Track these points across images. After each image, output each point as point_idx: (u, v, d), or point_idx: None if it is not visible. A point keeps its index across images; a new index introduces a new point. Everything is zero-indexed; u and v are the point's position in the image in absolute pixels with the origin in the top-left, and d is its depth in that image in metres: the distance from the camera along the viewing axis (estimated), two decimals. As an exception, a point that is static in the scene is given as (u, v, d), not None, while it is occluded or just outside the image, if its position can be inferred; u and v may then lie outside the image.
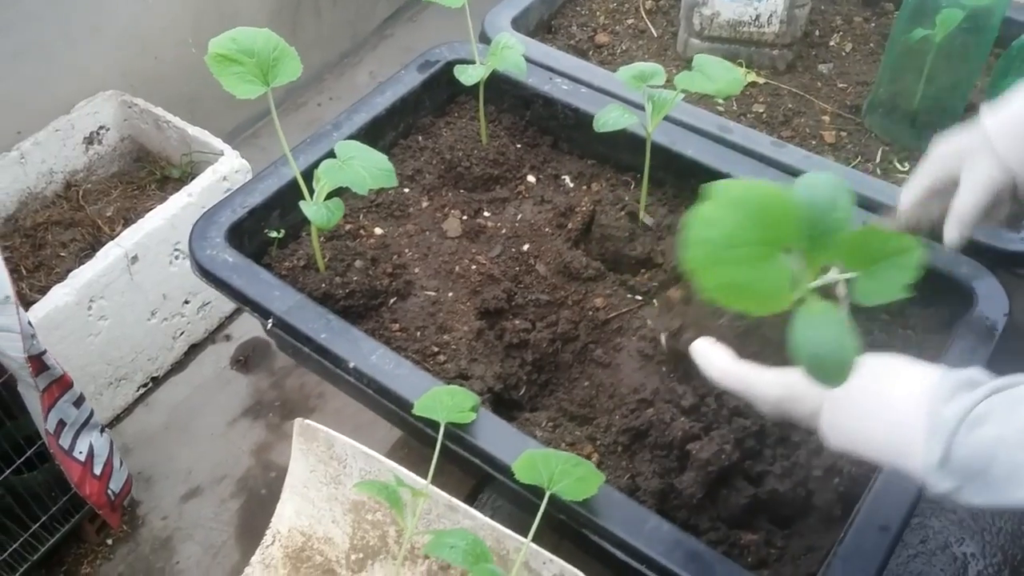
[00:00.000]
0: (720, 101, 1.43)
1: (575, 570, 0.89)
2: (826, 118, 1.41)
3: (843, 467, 0.99)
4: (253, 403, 1.99)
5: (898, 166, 1.34)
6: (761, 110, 1.41)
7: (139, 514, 1.80)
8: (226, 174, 1.91)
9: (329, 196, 1.05)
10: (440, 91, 1.38)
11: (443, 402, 0.95)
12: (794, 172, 1.23)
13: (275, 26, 2.59)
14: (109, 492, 1.60)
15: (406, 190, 1.31)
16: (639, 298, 1.18)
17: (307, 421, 1.02)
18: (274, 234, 1.19)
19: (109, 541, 1.76)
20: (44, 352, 1.35)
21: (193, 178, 1.90)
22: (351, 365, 1.01)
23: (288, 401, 2.00)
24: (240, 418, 1.96)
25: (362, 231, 1.24)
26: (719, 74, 1.02)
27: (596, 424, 1.07)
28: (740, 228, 0.61)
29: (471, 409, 0.96)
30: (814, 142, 1.37)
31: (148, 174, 2.11)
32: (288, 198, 1.20)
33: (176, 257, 1.87)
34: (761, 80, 1.46)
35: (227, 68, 0.97)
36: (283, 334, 1.06)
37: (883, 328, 1.14)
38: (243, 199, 1.18)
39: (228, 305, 2.09)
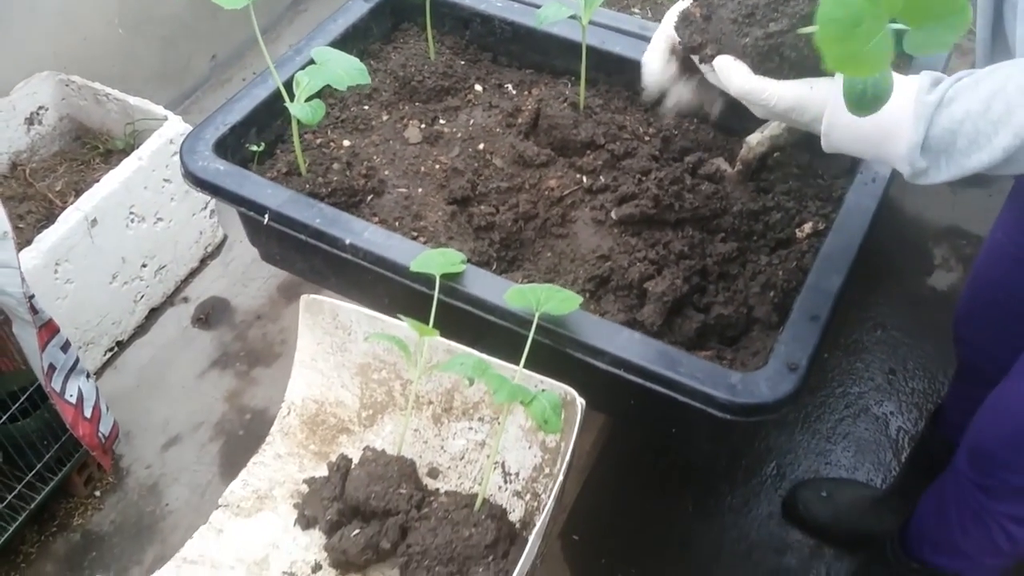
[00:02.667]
0: (636, 9, 1.60)
1: (563, 385, 1.04)
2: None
3: (777, 282, 1.17)
4: (219, 355, 2.08)
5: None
6: (673, 16, 1.58)
7: (123, 466, 1.88)
8: (172, 137, 1.99)
9: (308, 99, 1.17)
10: (385, 20, 1.51)
11: (435, 260, 1.09)
12: (709, 59, 1.40)
13: (194, 6, 2.68)
14: (100, 434, 1.68)
15: (366, 107, 1.44)
16: (587, 178, 1.34)
17: (312, 295, 1.14)
18: (255, 148, 1.30)
19: (97, 493, 1.83)
20: (33, 295, 1.43)
21: (137, 148, 1.97)
22: (347, 242, 1.14)
23: (253, 350, 2.09)
24: (208, 370, 2.05)
25: (332, 143, 1.36)
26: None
27: (563, 280, 1.22)
28: (863, 8, 0.71)
29: (461, 262, 1.09)
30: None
31: (91, 149, 2.17)
32: (263, 116, 1.32)
33: (132, 220, 1.94)
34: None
35: (216, -25, 1.07)
36: (279, 226, 1.17)
37: (796, 177, 1.32)
38: (223, 118, 1.29)
39: (184, 268, 2.17)
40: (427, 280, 1.09)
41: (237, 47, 2.94)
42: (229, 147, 1.28)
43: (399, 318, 1.04)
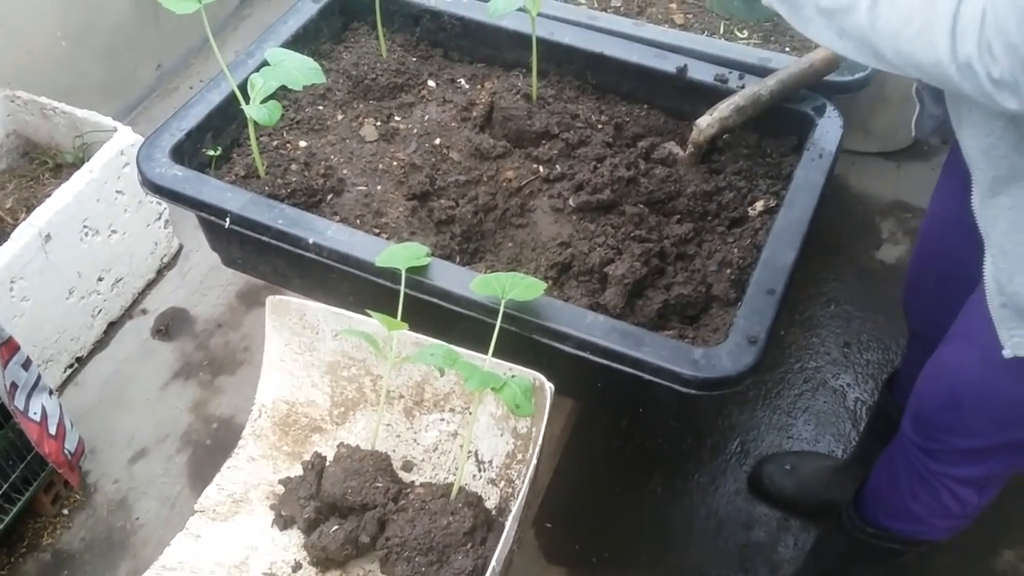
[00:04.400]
0: (582, 1, 1.62)
1: (531, 371, 1.06)
2: (673, 5, 1.62)
3: (732, 259, 1.20)
4: (182, 366, 2.06)
5: (738, 35, 1.56)
6: (618, 4, 1.62)
7: (90, 482, 1.86)
8: (123, 148, 1.98)
9: (264, 101, 1.18)
10: (334, 20, 1.51)
11: (400, 254, 1.10)
12: (658, 45, 1.44)
13: (137, 16, 2.65)
14: (66, 451, 1.66)
15: (320, 107, 1.44)
16: (543, 168, 1.36)
17: (278, 296, 1.15)
18: (211, 152, 1.30)
19: (66, 511, 1.81)
20: (-10, 312, 1.42)
21: (87, 161, 1.95)
22: (311, 241, 1.14)
23: (215, 359, 2.08)
24: (171, 381, 2.03)
25: (289, 145, 1.37)
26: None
27: (526, 269, 1.24)
28: None
29: (425, 255, 1.11)
30: (667, 25, 1.58)
31: (40, 165, 2.14)
32: (218, 120, 1.32)
33: (86, 234, 1.92)
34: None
35: (165, -18, 1.07)
36: (242, 229, 1.18)
37: (746, 157, 1.35)
38: (179, 124, 1.29)
39: (141, 280, 2.15)
40: (392, 275, 1.10)
41: (182, 55, 2.92)
42: (186, 153, 1.28)
43: (367, 314, 1.05)
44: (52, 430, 1.62)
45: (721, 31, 1.57)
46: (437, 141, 1.39)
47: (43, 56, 2.28)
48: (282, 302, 1.14)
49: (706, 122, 1.30)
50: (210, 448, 1.92)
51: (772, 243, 1.15)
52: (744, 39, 1.55)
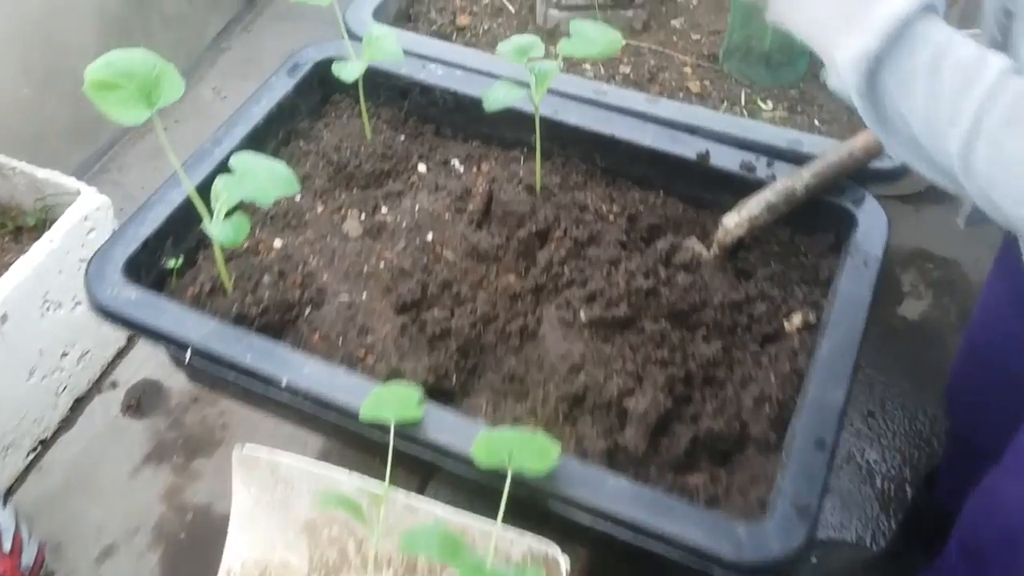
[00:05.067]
0: (588, 67, 1.47)
1: (544, 540, 0.91)
2: (688, 70, 1.47)
3: (771, 393, 1.05)
4: (154, 447, 1.90)
5: (762, 105, 1.41)
6: (627, 71, 1.46)
7: (54, 586, 1.70)
8: (87, 214, 1.82)
9: (228, 214, 1.02)
10: (313, 93, 1.35)
11: (388, 402, 0.94)
12: (672, 125, 1.28)
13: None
14: (23, 568, 1.51)
15: (298, 198, 1.29)
16: (549, 272, 1.20)
17: (246, 448, 0.99)
18: (172, 263, 1.15)
19: (27, 621, 1.66)
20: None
21: (51, 223, 1.79)
22: (284, 383, 0.99)
23: (191, 438, 1.92)
24: (143, 465, 1.87)
25: (261, 245, 1.21)
26: (597, 37, 1.05)
27: (533, 397, 1.09)
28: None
29: (417, 404, 0.95)
30: (682, 94, 1.43)
31: (-1, 227, 1.98)
32: (180, 224, 1.16)
33: (48, 309, 1.76)
34: (622, 42, 1.50)
35: (107, 95, 0.92)
36: (205, 364, 1.02)
37: (778, 258, 1.20)
38: (135, 230, 1.13)
39: (109, 350, 1.99)
40: (380, 425, 0.95)
41: (156, 94, 2.74)
42: (143, 265, 1.12)
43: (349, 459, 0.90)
44: (6, 547, 1.46)
45: (743, 101, 1.41)
46: (429, 237, 1.23)
47: (6, 105, 2.12)
48: (250, 457, 0.98)
49: (734, 222, 1.15)
50: (184, 543, 1.76)
51: (816, 377, 1.00)
52: (768, 110, 1.40)
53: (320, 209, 1.28)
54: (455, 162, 1.35)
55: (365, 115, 1.29)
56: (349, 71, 1.16)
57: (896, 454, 1.89)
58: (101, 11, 2.41)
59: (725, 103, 1.41)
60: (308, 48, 1.37)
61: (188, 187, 1.04)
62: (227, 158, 1.21)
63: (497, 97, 1.10)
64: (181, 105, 2.83)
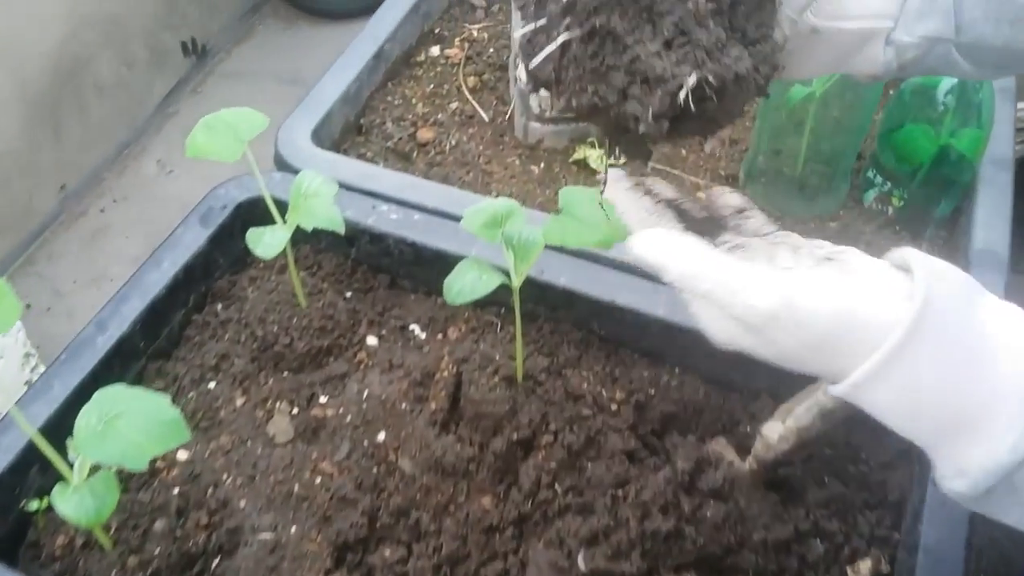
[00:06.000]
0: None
1: None
2: (702, 195, 1.20)
3: None
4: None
5: (797, 245, 1.14)
6: (626, 199, 1.19)
7: None
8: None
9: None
10: (235, 242, 1.08)
11: None
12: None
13: (32, 133, 2.19)
14: None
15: (211, 385, 1.01)
16: (536, 494, 0.93)
17: None
18: (35, 505, 0.86)
19: None
20: None
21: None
22: None
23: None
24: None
25: (160, 462, 0.93)
26: (596, 216, 0.78)
27: None
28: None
29: None
30: (697, 229, 1.16)
31: None
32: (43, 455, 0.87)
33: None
34: (621, 161, 1.23)
35: None
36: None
37: (832, 472, 0.93)
38: (-18, 466, 0.85)
39: None
40: None
41: (91, 171, 2.47)
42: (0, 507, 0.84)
43: None
44: None
45: (772, 239, 1.14)
46: (380, 438, 0.96)
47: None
48: None
49: (777, 434, 0.88)
50: None
51: None
52: (805, 251, 1.13)
53: (240, 402, 1.00)
54: (415, 328, 1.07)
55: (297, 282, 1.01)
56: (267, 246, 0.88)
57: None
58: (23, 89, 2.13)
59: (751, 242, 1.13)
60: (227, 185, 1.10)
61: (30, 430, 0.76)
62: (112, 352, 0.93)
63: (462, 289, 0.83)
64: (122, 181, 2.57)
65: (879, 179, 1.15)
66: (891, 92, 1.19)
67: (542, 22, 0.61)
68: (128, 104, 2.52)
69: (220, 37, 2.88)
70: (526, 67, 0.63)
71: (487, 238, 0.84)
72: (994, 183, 1.10)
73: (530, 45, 0.62)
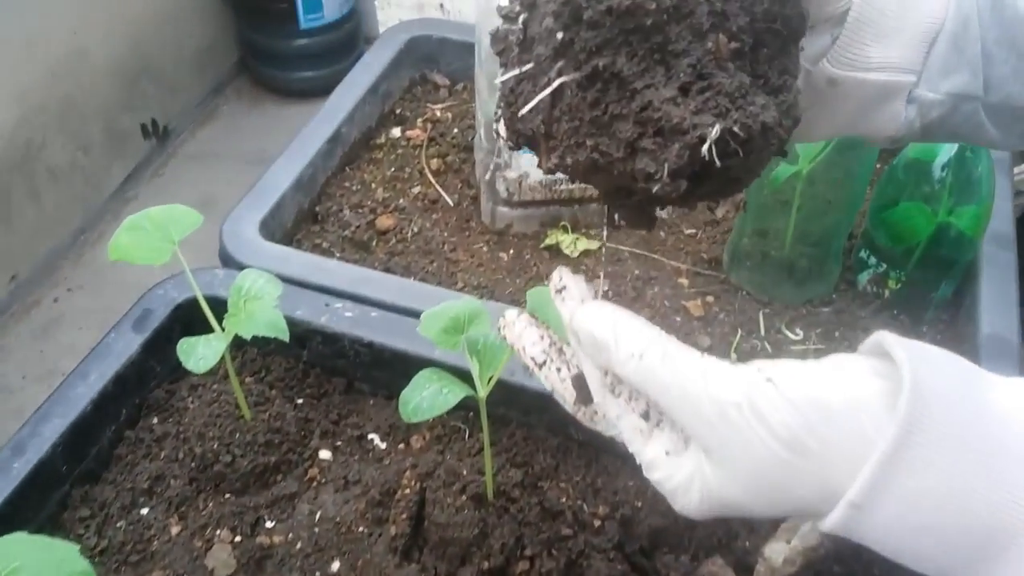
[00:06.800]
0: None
1: None
2: (684, 280, 1.12)
3: None
4: None
5: (788, 333, 1.06)
6: (605, 287, 1.10)
7: None
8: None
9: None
10: (173, 347, 0.97)
11: None
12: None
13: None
14: None
15: (144, 511, 0.89)
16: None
17: None
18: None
19: None
20: None
21: None
22: None
23: None
24: None
25: (80, 608, 0.81)
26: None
27: None
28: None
29: None
30: (679, 318, 1.07)
31: None
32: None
33: None
34: (595, 245, 1.15)
35: None
36: None
37: None
38: None
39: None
40: None
41: (45, 259, 2.37)
42: None
43: None
44: None
45: (761, 327, 1.06)
46: (335, 567, 0.85)
47: None
48: None
49: (782, 556, 0.78)
50: None
51: None
52: (798, 339, 1.05)
53: (176, 530, 0.88)
54: (374, 438, 0.97)
55: (239, 393, 0.91)
56: (201, 357, 0.78)
57: None
58: (-33, 177, 2.04)
59: (740, 332, 1.05)
60: (165, 285, 1.00)
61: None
62: (29, 480, 0.83)
63: (419, 405, 0.73)
64: (78, 270, 2.45)
65: (873, 260, 1.07)
66: (883, 167, 1.13)
67: (528, 67, 0.51)
68: (84, 189, 2.43)
69: (182, 118, 2.81)
70: (508, 121, 0.54)
71: (447, 346, 0.75)
72: (996, 262, 1.03)
73: (513, 95, 0.53)
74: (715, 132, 0.46)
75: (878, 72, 0.57)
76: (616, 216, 0.57)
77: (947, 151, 0.98)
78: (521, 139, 0.55)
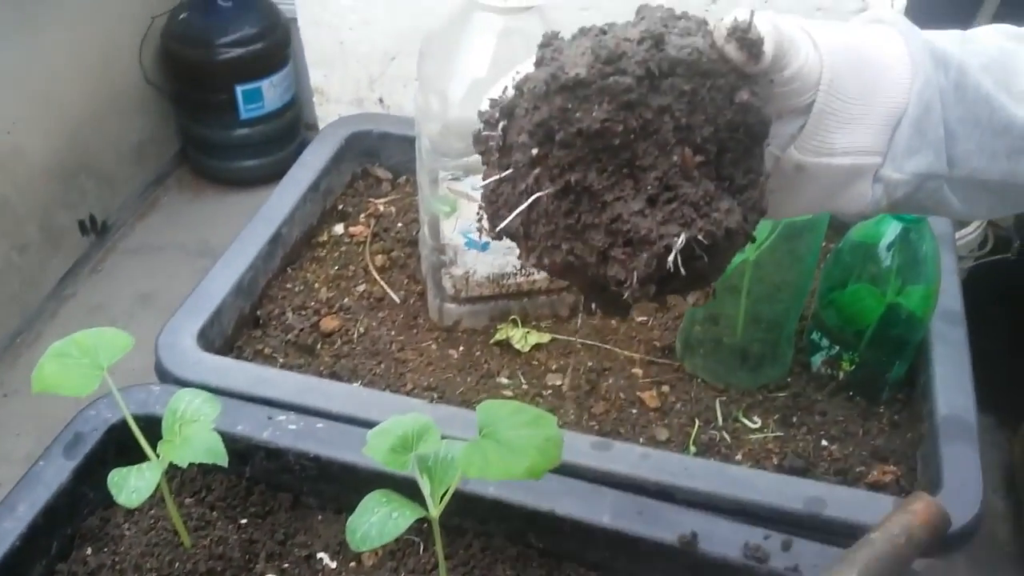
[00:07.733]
0: (504, 379, 1.09)
1: None
2: (638, 370, 1.10)
3: None
4: None
5: (746, 421, 1.04)
6: (558, 381, 1.08)
7: None
8: None
9: None
10: (108, 472, 0.92)
11: None
12: (638, 484, 0.89)
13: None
14: None
15: (75, 657, 0.83)
16: None
17: None
18: None
19: None
20: None
21: None
22: None
23: None
24: None
25: None
26: (522, 439, 0.66)
27: None
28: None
29: None
30: (635, 410, 1.05)
31: None
32: None
33: None
34: (546, 338, 1.13)
35: None
36: None
37: None
38: None
39: None
40: None
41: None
42: None
43: None
44: None
45: (719, 416, 1.04)
46: None
47: None
48: None
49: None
50: None
51: None
52: (756, 427, 1.03)
53: (111, 675, 0.82)
54: (323, 557, 0.92)
55: (177, 519, 0.86)
56: (134, 489, 0.74)
57: None
58: None
59: (696, 423, 1.03)
60: (99, 404, 0.95)
61: None
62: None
63: (368, 533, 0.69)
64: (14, 373, 2.36)
65: (825, 342, 1.06)
66: (829, 245, 1.13)
67: (508, 172, 0.54)
68: (19, 290, 2.35)
69: (121, 212, 2.76)
70: (489, 220, 0.58)
71: (395, 466, 0.71)
72: (947, 340, 1.03)
73: (494, 195, 0.56)
74: (680, 241, 0.50)
75: (843, 157, 0.58)
76: (592, 305, 0.60)
77: (892, 231, 0.98)
78: (503, 235, 0.57)
